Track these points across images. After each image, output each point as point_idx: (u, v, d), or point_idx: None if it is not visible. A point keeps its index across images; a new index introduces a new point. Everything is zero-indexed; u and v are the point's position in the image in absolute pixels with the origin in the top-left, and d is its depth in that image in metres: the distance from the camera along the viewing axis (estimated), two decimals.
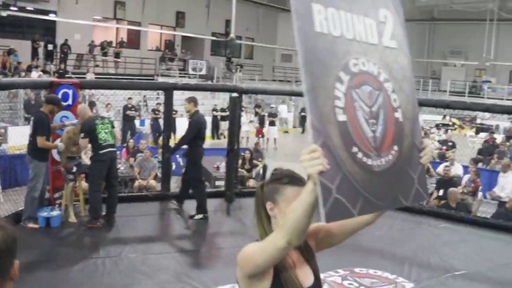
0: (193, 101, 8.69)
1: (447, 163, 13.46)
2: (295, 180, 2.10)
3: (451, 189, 10.25)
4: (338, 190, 1.72)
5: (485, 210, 11.20)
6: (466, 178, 12.40)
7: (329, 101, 1.80)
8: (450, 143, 19.06)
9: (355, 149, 1.84)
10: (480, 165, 16.17)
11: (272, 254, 1.91)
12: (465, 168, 13.12)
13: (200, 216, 8.27)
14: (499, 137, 22.42)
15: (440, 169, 12.96)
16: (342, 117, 1.81)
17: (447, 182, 11.47)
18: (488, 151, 18.19)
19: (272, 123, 21.56)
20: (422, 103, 11.11)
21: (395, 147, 2.02)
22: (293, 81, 33.18)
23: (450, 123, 27.81)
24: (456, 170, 12.60)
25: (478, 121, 28.36)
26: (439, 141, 20.21)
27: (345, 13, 1.95)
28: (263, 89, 14.52)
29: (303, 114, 26.80)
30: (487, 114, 26.18)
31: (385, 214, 7.08)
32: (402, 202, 2.05)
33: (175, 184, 10.56)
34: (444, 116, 28.27)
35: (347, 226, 2.28)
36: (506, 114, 22.99)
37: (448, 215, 9.55)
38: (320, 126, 1.73)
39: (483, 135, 24.35)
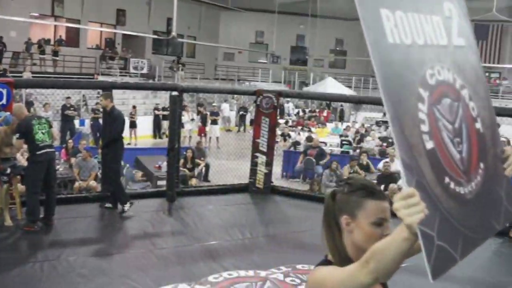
0: (109, 97, 8.69)
1: (387, 159, 13.76)
2: (376, 193, 1.93)
3: (391, 185, 10.47)
4: (439, 235, 1.54)
5: None
6: None
7: (416, 128, 1.60)
8: (390, 140, 19.43)
9: (447, 180, 1.65)
10: None
11: None
12: None
13: (128, 205, 8.30)
14: None
15: (381, 165, 13.23)
16: (429, 144, 1.62)
17: (387, 177, 11.71)
18: None
19: (214, 122, 21.52)
20: (361, 100, 11.30)
21: (481, 165, 1.83)
22: (235, 80, 33.22)
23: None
24: (396, 166, 12.86)
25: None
26: (379, 138, 20.57)
27: (413, 15, 1.74)
28: (204, 88, 14.46)
29: (241, 113, 26.84)
30: None
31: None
32: (496, 228, 1.87)
33: None
34: (385, 114, 28.72)
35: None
36: None
37: None
38: (412, 161, 1.54)
39: None
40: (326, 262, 1.97)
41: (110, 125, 8.65)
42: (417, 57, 1.70)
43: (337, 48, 39.34)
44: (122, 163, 11.24)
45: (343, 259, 1.91)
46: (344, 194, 1.96)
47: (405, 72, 1.64)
